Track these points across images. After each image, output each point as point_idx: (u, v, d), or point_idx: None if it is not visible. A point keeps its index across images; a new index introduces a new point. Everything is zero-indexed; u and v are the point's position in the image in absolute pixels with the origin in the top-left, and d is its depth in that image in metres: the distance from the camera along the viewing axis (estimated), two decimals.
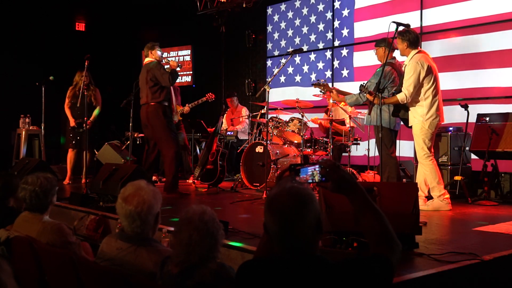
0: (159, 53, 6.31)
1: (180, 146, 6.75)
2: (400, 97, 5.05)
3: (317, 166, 1.86)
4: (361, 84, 5.13)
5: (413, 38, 5.10)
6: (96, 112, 7.33)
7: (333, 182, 1.84)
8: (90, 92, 6.28)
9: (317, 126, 7.30)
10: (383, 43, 5.40)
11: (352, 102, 5.43)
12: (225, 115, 7.77)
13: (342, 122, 6.85)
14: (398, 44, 5.15)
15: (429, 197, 5.19)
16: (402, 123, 5.42)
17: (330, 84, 8.17)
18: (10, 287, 1.27)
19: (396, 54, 5.50)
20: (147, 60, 6.34)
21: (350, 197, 1.84)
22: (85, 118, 6.22)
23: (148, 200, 2.33)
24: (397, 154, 5.39)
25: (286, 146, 6.75)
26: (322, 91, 5.98)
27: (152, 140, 6.37)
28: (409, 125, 5.23)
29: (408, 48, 5.13)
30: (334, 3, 8.54)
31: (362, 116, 6.38)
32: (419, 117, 5.10)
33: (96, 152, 8.10)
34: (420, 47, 7.16)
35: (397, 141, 5.53)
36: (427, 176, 5.10)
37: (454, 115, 6.61)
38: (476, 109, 6.29)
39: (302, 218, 1.69)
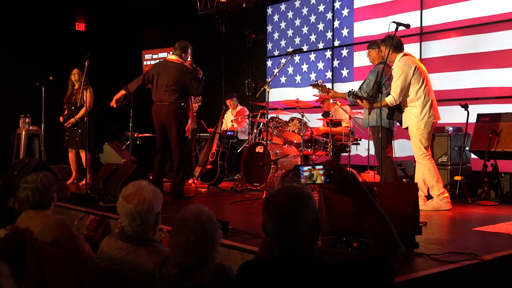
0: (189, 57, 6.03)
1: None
2: (389, 100, 5.09)
3: (321, 167, 1.85)
4: (349, 91, 5.17)
5: (396, 42, 5.13)
6: (82, 111, 6.92)
7: (336, 184, 1.84)
8: (79, 91, 6.25)
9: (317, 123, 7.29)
10: (375, 45, 5.47)
11: (352, 99, 5.44)
12: (225, 115, 7.76)
13: (339, 123, 6.83)
14: (382, 51, 5.21)
15: (428, 197, 5.20)
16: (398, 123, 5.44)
17: (329, 84, 8.20)
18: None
19: None
20: (174, 57, 5.93)
21: (353, 199, 1.83)
22: (83, 118, 6.20)
23: (148, 199, 2.34)
24: (396, 153, 5.39)
25: (286, 146, 6.75)
26: (320, 91, 6.00)
27: (162, 142, 5.92)
28: (404, 126, 5.25)
29: (393, 53, 5.17)
30: (334, 3, 8.54)
31: (361, 116, 6.37)
32: (414, 118, 5.12)
33: (97, 152, 8.09)
34: (420, 47, 7.26)
35: (397, 141, 5.53)
36: (425, 175, 5.12)
37: (454, 115, 6.61)
38: (476, 109, 6.29)
39: (299, 217, 1.69)
